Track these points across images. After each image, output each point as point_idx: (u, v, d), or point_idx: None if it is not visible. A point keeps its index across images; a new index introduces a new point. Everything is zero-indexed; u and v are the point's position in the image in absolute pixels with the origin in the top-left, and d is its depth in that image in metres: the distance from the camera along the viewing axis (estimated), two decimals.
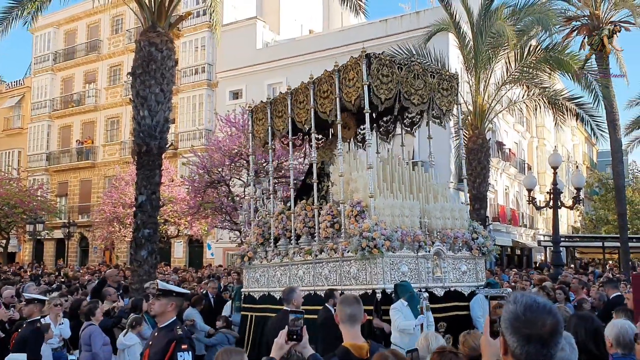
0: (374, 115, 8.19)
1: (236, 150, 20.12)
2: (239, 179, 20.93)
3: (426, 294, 7.27)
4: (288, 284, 9.00)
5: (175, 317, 4.69)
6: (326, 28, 36.55)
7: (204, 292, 11.82)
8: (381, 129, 10.78)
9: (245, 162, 20.18)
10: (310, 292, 8.57)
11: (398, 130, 10.86)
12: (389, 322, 7.09)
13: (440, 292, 8.18)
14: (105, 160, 35.80)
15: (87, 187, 36.42)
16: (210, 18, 16.08)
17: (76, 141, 37.41)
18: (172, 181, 26.40)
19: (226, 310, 10.69)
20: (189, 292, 7.06)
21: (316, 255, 8.62)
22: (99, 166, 36.11)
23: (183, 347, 4.40)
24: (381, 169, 8.79)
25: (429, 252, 8.13)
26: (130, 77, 13.64)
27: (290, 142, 10.02)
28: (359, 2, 14.78)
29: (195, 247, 32.28)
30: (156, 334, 4.71)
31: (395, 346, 6.38)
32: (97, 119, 36.90)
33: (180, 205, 24.75)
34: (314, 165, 9.27)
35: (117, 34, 36.74)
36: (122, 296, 10.89)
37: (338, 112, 8.51)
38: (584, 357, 3.60)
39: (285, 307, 6.70)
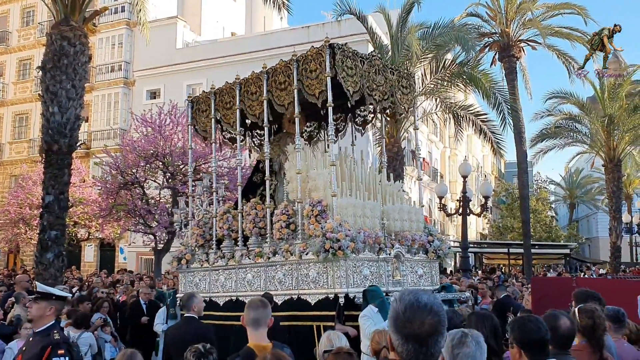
0: (322, 112, 7.60)
1: (152, 151, 19.63)
2: (154, 181, 20.41)
3: None
4: (234, 288, 8.51)
5: (54, 321, 4.47)
6: (248, 31, 36.41)
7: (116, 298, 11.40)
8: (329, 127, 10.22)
9: (161, 163, 19.72)
10: None
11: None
12: (354, 327, 6.58)
13: None
14: (12, 159, 33.90)
15: None
16: (137, 17, 15.61)
17: None
18: (84, 182, 25.34)
19: (160, 318, 9.80)
20: (69, 295, 6.70)
21: (269, 258, 7.97)
22: (5, 164, 34.15)
23: (60, 352, 4.18)
24: (338, 168, 8.10)
25: (389, 254, 7.74)
26: (40, 72, 13.07)
27: (238, 136, 9.20)
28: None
29: (107, 251, 31.13)
30: (31, 339, 4.45)
31: (366, 355, 5.63)
32: (3, 115, 34.93)
33: (91, 207, 23.77)
34: (267, 162, 8.48)
35: (27, 26, 34.93)
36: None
37: (296, 105, 7.83)
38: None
39: (185, 314, 6.30)
